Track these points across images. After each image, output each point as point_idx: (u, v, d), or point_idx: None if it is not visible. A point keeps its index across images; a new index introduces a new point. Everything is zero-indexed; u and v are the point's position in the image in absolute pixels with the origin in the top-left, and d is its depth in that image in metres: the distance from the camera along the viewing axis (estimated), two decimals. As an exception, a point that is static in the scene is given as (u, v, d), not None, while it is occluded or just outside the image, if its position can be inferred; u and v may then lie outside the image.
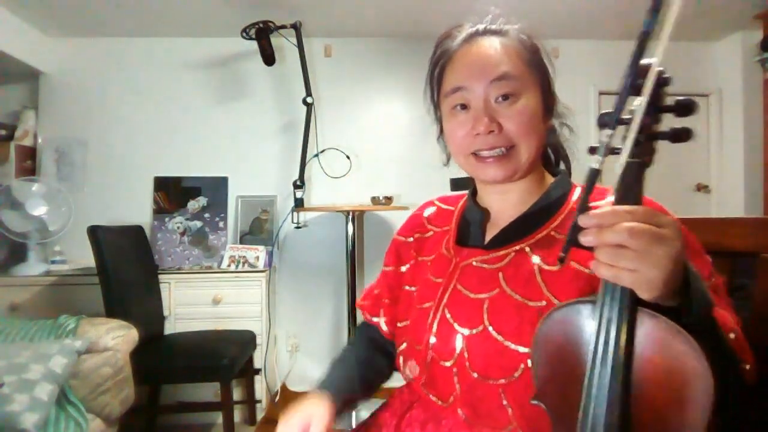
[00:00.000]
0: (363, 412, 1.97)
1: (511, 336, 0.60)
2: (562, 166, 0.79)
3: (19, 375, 1.29)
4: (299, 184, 2.44)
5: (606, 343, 0.46)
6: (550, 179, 0.72)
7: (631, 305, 0.45)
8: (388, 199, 2.49)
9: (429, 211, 0.83)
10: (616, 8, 2.45)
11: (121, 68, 2.75)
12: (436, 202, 0.84)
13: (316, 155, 2.61)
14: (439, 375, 0.65)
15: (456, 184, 2.50)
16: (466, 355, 0.63)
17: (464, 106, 0.66)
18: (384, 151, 2.82)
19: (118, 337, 1.57)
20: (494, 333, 0.61)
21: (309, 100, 2.45)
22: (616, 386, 0.45)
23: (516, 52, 0.65)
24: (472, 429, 0.62)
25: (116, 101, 2.74)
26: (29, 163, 2.67)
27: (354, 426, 0.80)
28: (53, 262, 2.44)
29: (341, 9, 2.47)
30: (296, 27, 2.42)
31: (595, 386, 0.46)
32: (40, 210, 2.33)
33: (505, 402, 0.59)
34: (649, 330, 0.45)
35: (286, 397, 2.55)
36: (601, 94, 2.88)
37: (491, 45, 0.65)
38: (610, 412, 0.45)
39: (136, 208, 2.67)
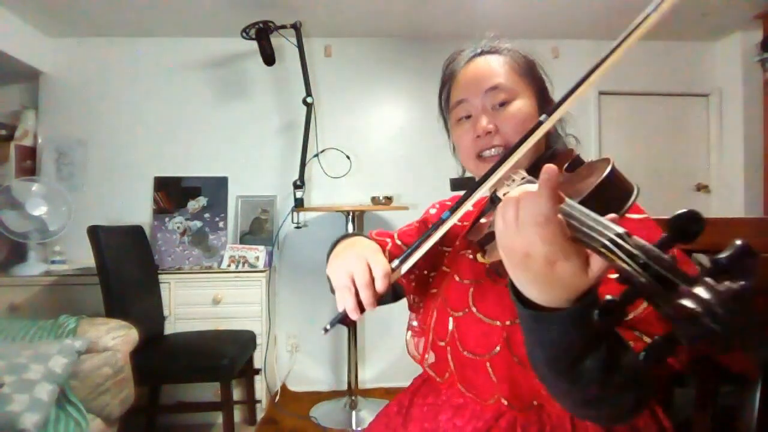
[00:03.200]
0: (363, 412, 1.97)
1: (493, 315, 0.67)
2: None
3: (19, 375, 1.29)
4: (299, 184, 2.44)
5: None
6: None
7: None
8: (388, 199, 2.49)
9: (432, 212, 0.91)
10: (616, 8, 2.45)
11: (121, 68, 2.75)
12: (436, 204, 0.92)
13: (316, 155, 2.61)
14: (438, 353, 0.73)
15: (455, 184, 2.50)
16: (456, 335, 0.70)
17: (467, 117, 0.75)
18: (384, 151, 2.82)
19: (118, 337, 1.57)
20: (477, 314, 0.68)
21: (309, 100, 2.45)
22: None
23: (508, 66, 0.74)
24: (466, 398, 0.69)
25: (116, 101, 2.74)
26: (29, 163, 2.67)
27: (354, 427, 0.82)
28: (53, 262, 2.44)
29: (341, 9, 2.47)
30: (296, 27, 2.42)
31: None
32: (40, 210, 2.33)
33: (492, 375, 0.66)
34: None
35: (286, 397, 2.55)
36: (601, 94, 2.88)
37: (486, 62, 0.75)
38: None
39: (136, 208, 2.67)
